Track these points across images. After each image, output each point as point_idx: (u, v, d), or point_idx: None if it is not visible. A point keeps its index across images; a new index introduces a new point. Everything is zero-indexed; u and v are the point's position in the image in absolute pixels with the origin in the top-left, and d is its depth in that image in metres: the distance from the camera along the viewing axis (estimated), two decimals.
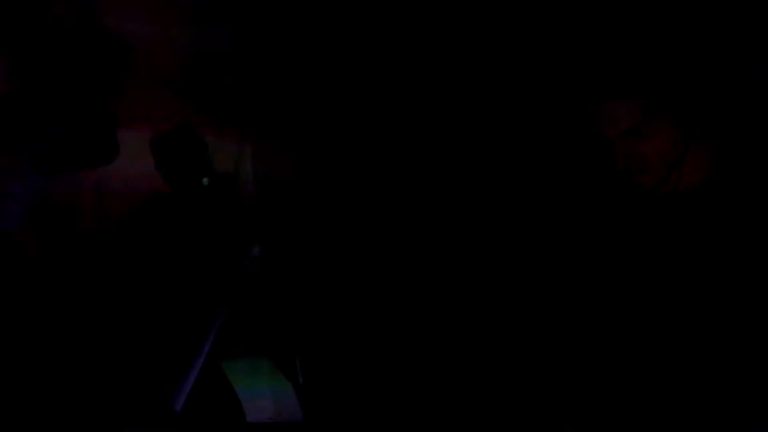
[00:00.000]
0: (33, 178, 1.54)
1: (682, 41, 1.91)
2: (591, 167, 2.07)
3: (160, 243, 1.94)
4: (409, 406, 2.31)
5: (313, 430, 1.86)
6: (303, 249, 2.45)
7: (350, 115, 2.65)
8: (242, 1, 2.56)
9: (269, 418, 1.91)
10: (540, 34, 2.42)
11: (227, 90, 2.50)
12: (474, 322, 2.46)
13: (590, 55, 1.90)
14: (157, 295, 1.91)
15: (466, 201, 2.59)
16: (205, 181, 1.67)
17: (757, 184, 1.84)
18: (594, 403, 2.12)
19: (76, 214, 2.04)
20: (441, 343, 2.48)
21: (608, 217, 2.09)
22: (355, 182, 2.61)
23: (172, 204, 1.97)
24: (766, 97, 2.02)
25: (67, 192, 1.96)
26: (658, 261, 1.97)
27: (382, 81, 2.65)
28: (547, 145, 2.41)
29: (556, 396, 2.25)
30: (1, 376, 1.31)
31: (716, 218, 1.84)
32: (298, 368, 1.95)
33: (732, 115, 1.93)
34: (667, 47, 1.86)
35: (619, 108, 1.77)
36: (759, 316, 1.87)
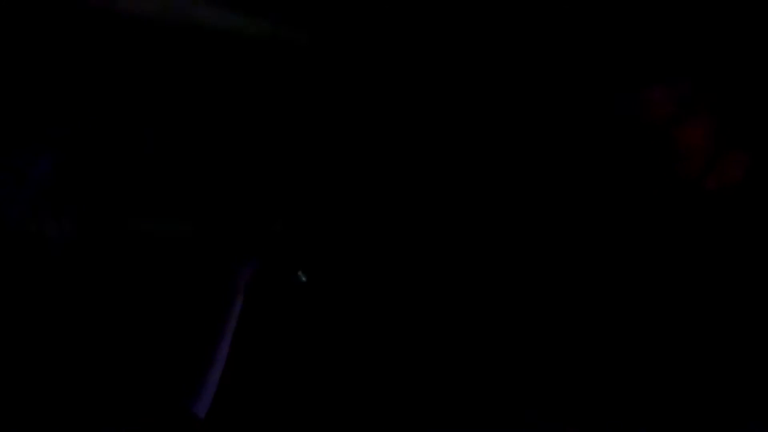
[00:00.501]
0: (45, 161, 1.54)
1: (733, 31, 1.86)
2: (633, 153, 1.97)
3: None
4: (409, 405, 2.30)
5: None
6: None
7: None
8: None
9: None
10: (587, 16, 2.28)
11: None
12: (483, 320, 2.46)
13: (637, 35, 1.89)
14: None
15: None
16: None
17: None
18: (594, 402, 2.12)
19: None
20: (443, 340, 2.49)
21: (648, 205, 2.03)
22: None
23: None
24: None
25: None
26: (686, 257, 1.99)
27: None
28: (588, 129, 2.26)
29: (557, 395, 2.26)
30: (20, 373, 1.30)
31: (756, 217, 1.88)
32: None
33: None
34: (717, 33, 1.83)
35: (664, 93, 1.76)
36: None
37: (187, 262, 1.67)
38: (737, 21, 1.86)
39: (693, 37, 1.74)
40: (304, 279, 1.69)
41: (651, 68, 1.77)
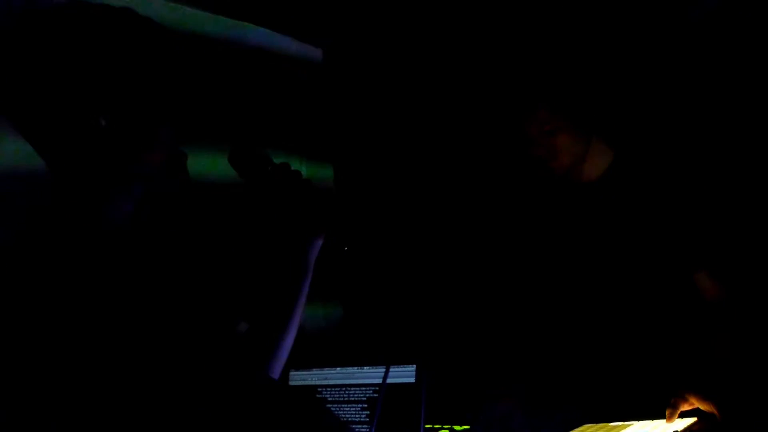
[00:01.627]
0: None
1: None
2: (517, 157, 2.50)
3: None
4: None
5: None
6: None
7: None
8: None
9: None
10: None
11: None
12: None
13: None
14: None
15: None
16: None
17: (645, 179, 2.41)
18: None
19: None
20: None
21: (537, 195, 2.65)
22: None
23: None
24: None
25: None
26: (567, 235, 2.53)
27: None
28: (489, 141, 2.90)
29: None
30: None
31: (612, 202, 2.43)
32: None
33: (626, 123, 2.63)
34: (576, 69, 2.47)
35: (531, 111, 2.35)
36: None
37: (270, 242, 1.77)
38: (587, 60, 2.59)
39: (549, 72, 2.39)
40: (346, 249, 1.82)
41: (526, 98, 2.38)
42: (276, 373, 1.70)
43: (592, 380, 2.41)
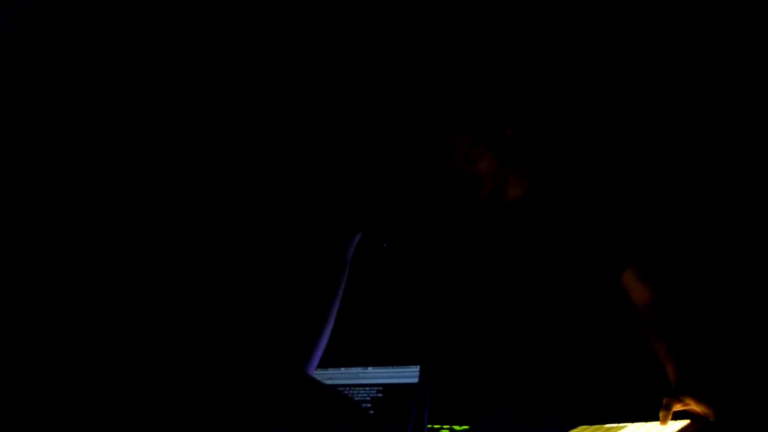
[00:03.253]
0: None
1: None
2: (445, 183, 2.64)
3: None
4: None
5: None
6: None
7: None
8: None
9: None
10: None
11: None
12: None
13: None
14: None
15: None
16: None
17: (561, 198, 2.63)
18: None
19: None
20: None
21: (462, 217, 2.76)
22: None
23: None
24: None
25: None
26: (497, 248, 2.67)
27: None
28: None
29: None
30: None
31: (533, 219, 2.61)
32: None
33: (542, 151, 2.94)
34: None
35: (455, 142, 2.50)
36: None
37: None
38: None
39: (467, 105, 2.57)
40: (385, 245, 1.90)
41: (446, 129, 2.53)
42: (312, 369, 1.73)
43: (588, 382, 2.49)
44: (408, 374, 2.17)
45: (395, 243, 2.04)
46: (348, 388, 2.23)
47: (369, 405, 2.19)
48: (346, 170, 1.82)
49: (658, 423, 2.13)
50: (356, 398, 2.21)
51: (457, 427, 2.28)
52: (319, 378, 2.28)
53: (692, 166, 3.14)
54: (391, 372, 2.19)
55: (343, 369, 2.24)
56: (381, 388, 2.20)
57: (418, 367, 2.15)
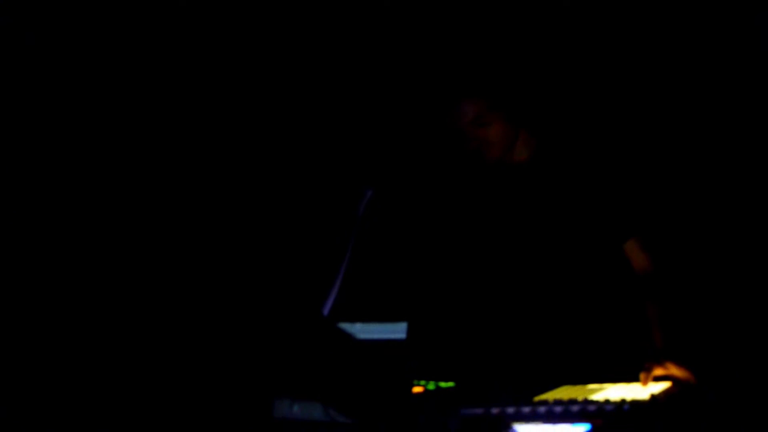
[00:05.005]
0: None
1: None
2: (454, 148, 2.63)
3: None
4: None
5: None
6: None
7: None
8: None
9: None
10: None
11: None
12: None
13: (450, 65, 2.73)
14: None
15: None
16: None
17: (565, 163, 2.63)
18: None
19: None
20: None
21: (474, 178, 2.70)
22: None
23: None
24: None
25: None
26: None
27: None
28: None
29: None
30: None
31: (538, 183, 2.65)
32: None
33: (548, 115, 2.86)
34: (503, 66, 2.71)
35: (467, 106, 2.54)
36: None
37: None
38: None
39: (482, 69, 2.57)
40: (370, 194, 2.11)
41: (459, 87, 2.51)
42: (326, 311, 2.05)
43: (570, 345, 2.25)
44: (396, 330, 2.30)
45: (393, 198, 2.13)
46: None
47: None
48: (359, 128, 2.08)
49: (639, 384, 2.25)
50: None
51: (442, 384, 2.17)
52: None
53: (698, 142, 2.95)
54: (379, 328, 2.30)
55: None
56: (369, 344, 2.29)
57: (406, 323, 2.31)
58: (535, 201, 2.64)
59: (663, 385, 2.18)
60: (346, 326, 2.46)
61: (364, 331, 2.55)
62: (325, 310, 1.87)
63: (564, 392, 2.08)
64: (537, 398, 1.98)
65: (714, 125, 3.04)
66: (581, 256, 2.58)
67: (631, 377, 2.23)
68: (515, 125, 2.61)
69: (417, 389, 2.20)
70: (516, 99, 2.62)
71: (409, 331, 2.50)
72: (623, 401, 1.78)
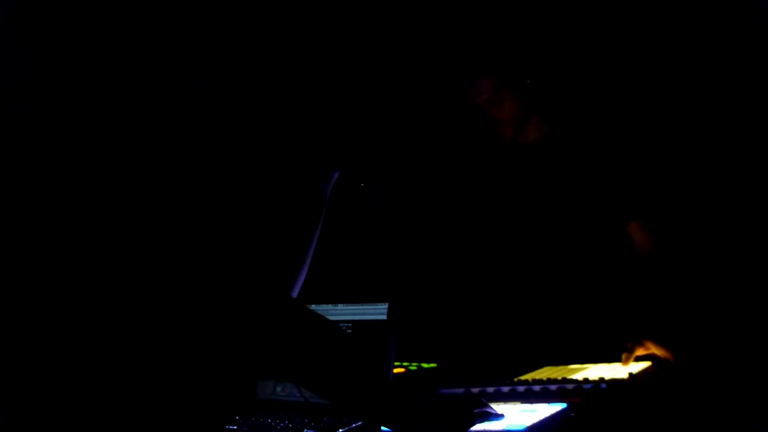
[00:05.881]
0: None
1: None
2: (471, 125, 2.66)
3: None
4: None
5: None
6: None
7: None
8: None
9: None
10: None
11: None
12: None
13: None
14: None
15: None
16: None
17: (574, 146, 2.64)
18: None
19: None
20: None
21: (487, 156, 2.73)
22: None
23: None
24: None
25: None
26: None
27: None
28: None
29: None
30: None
31: (546, 165, 2.66)
32: None
33: (561, 96, 2.87)
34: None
35: (481, 83, 2.55)
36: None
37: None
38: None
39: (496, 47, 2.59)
40: (362, 185, 2.18)
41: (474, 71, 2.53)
42: (295, 294, 1.98)
43: (552, 325, 2.27)
44: (377, 311, 2.30)
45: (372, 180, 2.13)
46: None
47: None
48: (328, 109, 2.01)
49: (620, 364, 2.27)
50: None
51: (425, 365, 2.18)
52: None
53: (705, 127, 2.89)
54: (360, 309, 2.31)
55: (313, 306, 2.30)
56: (350, 325, 2.29)
57: (387, 304, 2.31)
58: (540, 182, 2.65)
59: (643, 365, 2.19)
60: (327, 308, 2.48)
61: (345, 312, 2.57)
62: (294, 293, 1.88)
63: (546, 372, 2.09)
64: (518, 378, 1.99)
65: (722, 110, 3.00)
66: (574, 239, 2.58)
67: (613, 358, 2.24)
68: (527, 107, 2.61)
69: (398, 370, 2.21)
70: (527, 79, 2.62)
71: (390, 312, 2.50)
72: (601, 380, 1.79)
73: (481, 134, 2.66)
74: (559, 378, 1.89)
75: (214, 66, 1.81)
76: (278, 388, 2.28)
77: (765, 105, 2.88)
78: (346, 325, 2.20)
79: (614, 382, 1.80)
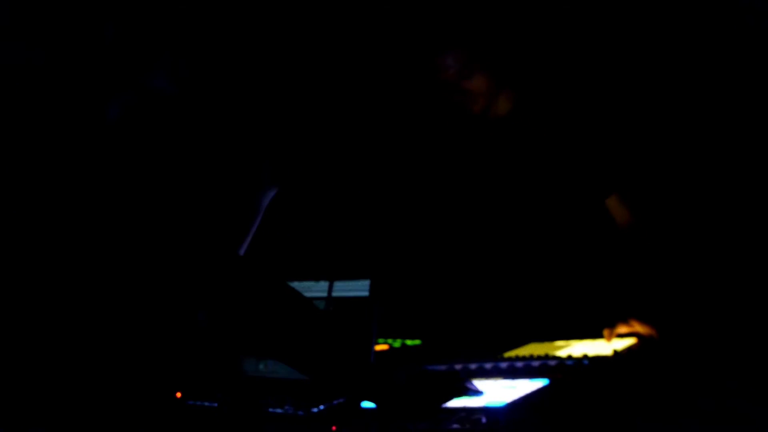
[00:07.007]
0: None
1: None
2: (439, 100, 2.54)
3: None
4: None
5: None
6: None
7: None
8: None
9: None
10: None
11: None
12: None
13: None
14: None
15: None
16: None
17: (547, 117, 2.58)
18: None
19: None
20: None
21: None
22: None
23: None
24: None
25: None
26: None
27: None
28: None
29: None
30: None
31: (520, 138, 2.60)
32: None
33: (532, 70, 2.70)
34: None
35: (449, 57, 2.42)
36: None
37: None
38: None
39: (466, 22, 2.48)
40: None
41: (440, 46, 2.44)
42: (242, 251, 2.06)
43: (538, 300, 2.26)
44: (359, 288, 2.27)
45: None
46: None
47: None
48: (267, 122, 1.94)
49: (603, 340, 2.26)
50: None
51: (409, 342, 2.16)
52: None
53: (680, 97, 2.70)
54: (342, 285, 2.28)
55: (295, 282, 2.27)
56: (325, 303, 2.27)
57: (369, 280, 2.29)
58: (515, 156, 2.61)
59: (627, 342, 2.18)
60: (308, 284, 2.45)
61: (326, 288, 2.54)
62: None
63: (530, 349, 2.08)
64: (503, 355, 1.98)
65: (702, 82, 2.84)
66: (555, 213, 2.56)
67: (597, 334, 2.23)
68: (497, 79, 2.50)
69: (382, 347, 2.20)
70: (498, 51, 2.52)
71: (372, 288, 2.47)
72: (584, 356, 1.79)
73: (451, 109, 2.53)
74: (543, 354, 1.89)
75: (177, 60, 1.77)
76: (260, 366, 2.26)
77: (745, 75, 2.73)
78: (320, 302, 2.18)
79: (597, 359, 1.80)
